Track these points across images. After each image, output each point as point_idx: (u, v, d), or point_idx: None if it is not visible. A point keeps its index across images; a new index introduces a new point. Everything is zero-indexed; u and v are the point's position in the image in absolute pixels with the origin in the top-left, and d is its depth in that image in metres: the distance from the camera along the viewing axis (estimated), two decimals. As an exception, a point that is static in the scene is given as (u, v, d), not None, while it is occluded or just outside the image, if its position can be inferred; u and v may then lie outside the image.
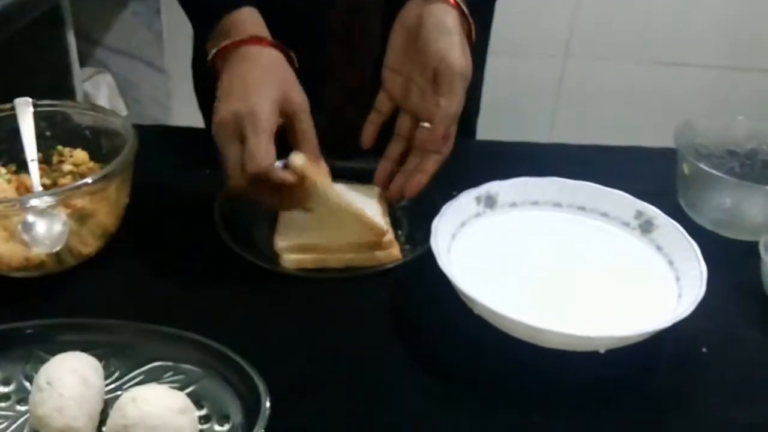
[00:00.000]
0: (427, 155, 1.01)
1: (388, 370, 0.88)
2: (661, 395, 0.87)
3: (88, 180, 0.93)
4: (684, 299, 0.88)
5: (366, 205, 1.06)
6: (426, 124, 1.01)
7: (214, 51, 1.02)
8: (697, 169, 1.06)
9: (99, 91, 2.50)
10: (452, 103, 0.96)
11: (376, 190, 1.09)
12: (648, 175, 1.16)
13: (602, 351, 0.85)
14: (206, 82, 1.38)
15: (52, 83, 2.00)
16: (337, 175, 1.11)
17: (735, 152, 1.16)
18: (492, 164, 1.14)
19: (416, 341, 0.92)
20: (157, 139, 1.17)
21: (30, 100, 1.05)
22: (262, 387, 0.77)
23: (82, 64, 2.35)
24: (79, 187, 0.93)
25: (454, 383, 0.87)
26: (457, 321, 0.90)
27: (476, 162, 1.17)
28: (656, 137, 1.23)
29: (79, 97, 2.18)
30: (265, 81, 0.97)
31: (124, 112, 2.52)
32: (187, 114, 1.47)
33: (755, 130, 1.16)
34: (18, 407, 0.80)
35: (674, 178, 1.13)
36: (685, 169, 1.09)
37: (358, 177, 1.11)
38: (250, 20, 1.03)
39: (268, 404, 0.76)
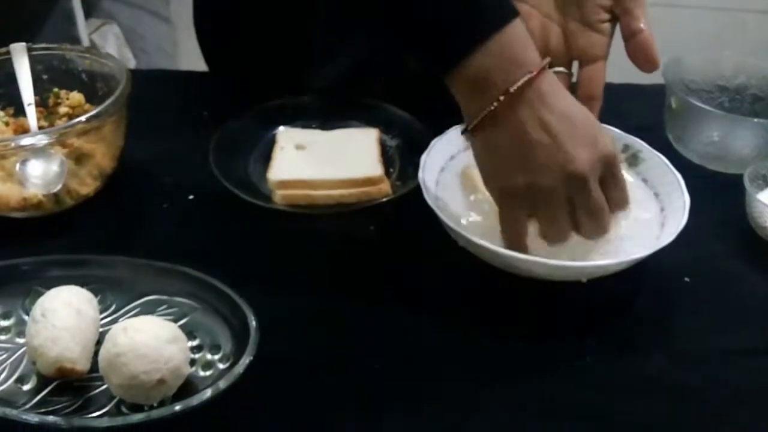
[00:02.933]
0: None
1: (375, 302, 0.89)
2: (643, 323, 0.88)
3: (82, 118, 0.95)
4: (667, 229, 0.89)
5: (364, 148, 1.08)
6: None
7: (500, 99, 0.78)
8: (685, 103, 1.07)
9: (106, 41, 2.50)
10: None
11: (374, 133, 1.11)
12: (638, 110, 1.16)
13: (584, 280, 0.86)
14: (209, 32, 1.39)
15: (57, 33, 2.00)
16: (338, 118, 1.14)
17: (724, 87, 1.16)
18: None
19: (402, 273, 0.93)
20: (156, 84, 1.19)
21: (25, 44, 1.06)
22: (251, 317, 0.79)
23: (89, 15, 2.35)
24: (73, 125, 0.95)
25: (438, 314, 0.88)
26: (443, 253, 0.91)
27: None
28: (646, 75, 1.23)
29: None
30: (587, 113, 0.82)
31: (132, 62, 2.52)
32: (193, 63, 1.47)
33: (744, 64, 1.15)
34: (17, 340, 0.82)
35: (663, 114, 1.14)
36: (673, 103, 1.09)
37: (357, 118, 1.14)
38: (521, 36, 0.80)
39: (256, 334, 0.78)
